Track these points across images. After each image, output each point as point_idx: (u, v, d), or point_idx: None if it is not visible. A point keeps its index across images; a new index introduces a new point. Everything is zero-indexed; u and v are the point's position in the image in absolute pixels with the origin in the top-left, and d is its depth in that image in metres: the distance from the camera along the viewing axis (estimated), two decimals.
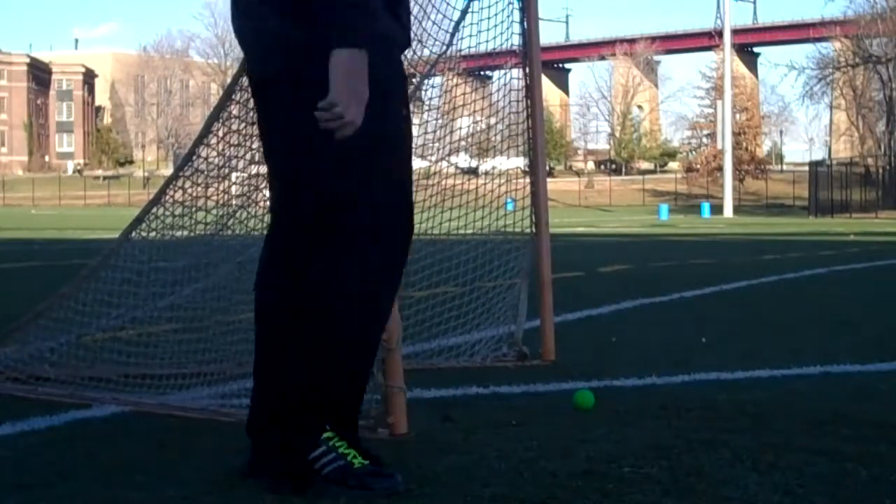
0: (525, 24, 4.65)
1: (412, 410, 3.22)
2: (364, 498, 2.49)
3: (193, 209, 4.17)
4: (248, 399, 3.61)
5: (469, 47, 4.60)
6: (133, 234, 4.21)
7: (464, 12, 4.46)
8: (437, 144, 4.61)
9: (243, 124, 4.07)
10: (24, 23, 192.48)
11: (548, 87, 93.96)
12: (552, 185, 48.17)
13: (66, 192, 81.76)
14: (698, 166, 74.20)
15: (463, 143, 4.95)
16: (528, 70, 4.68)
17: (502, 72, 4.96)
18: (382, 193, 2.51)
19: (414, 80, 4.28)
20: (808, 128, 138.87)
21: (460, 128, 4.82)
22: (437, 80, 4.57)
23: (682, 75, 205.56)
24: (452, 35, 4.47)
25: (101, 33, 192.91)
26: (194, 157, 4.16)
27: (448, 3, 4.29)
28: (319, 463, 2.55)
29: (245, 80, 3.97)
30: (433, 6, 4.24)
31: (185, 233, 4.19)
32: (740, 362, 4.60)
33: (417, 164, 4.27)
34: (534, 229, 4.73)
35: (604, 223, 33.20)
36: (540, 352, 4.67)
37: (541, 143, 4.74)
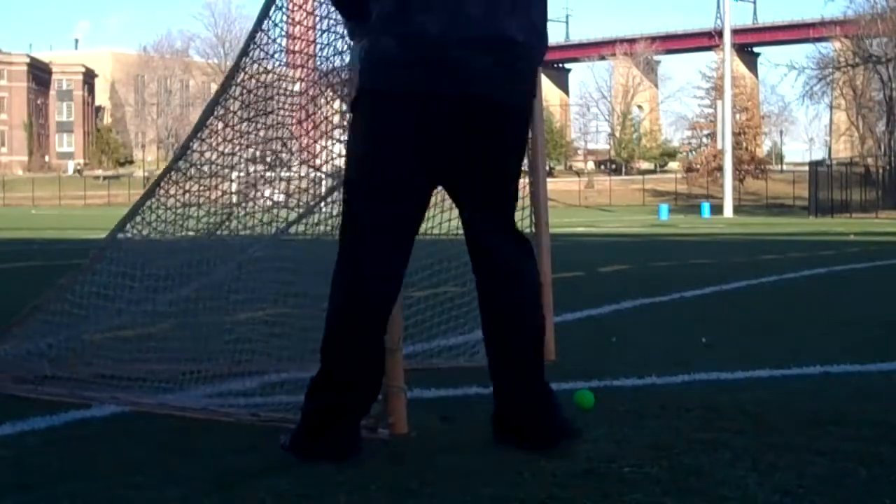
0: None
1: (412, 410, 3.22)
2: (362, 496, 2.50)
3: (189, 207, 4.16)
4: (245, 399, 3.62)
5: None
6: (127, 227, 4.19)
7: None
8: None
9: (243, 123, 4.06)
10: (24, 23, 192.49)
11: (548, 87, 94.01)
12: (552, 185, 48.16)
13: (66, 192, 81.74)
14: (698, 166, 74.19)
15: None
16: None
17: None
18: None
19: None
20: (808, 128, 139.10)
21: None
22: None
23: (682, 75, 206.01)
24: None
25: (101, 31, 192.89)
26: (189, 152, 4.14)
27: None
28: None
29: (241, 77, 3.95)
30: None
31: (183, 231, 4.18)
32: (740, 362, 4.59)
33: None
34: (534, 229, 4.72)
35: (604, 223, 33.20)
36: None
37: (541, 143, 4.74)
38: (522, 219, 4.74)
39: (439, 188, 3.11)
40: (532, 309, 3.05)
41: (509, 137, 2.96)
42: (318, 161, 4.14)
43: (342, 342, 2.88)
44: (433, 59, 2.78)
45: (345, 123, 3.72)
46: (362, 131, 2.91)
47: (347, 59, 3.50)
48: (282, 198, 4.29)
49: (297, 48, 3.98)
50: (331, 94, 3.91)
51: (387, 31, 2.83)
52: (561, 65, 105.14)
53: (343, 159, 3.21)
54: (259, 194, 4.26)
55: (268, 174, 4.26)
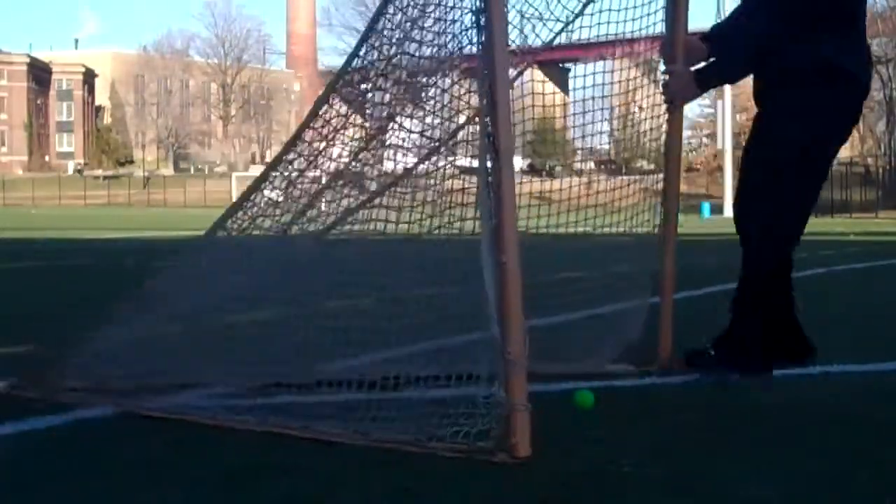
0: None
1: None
2: (362, 496, 2.50)
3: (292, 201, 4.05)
4: (246, 400, 3.58)
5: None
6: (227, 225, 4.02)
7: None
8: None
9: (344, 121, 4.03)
10: (24, 23, 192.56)
11: (548, 87, 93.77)
12: (553, 184, 47.90)
13: (66, 192, 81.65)
14: (698, 166, 74.16)
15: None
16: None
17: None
18: None
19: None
20: None
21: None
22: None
23: None
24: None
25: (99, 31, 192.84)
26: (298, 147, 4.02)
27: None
28: None
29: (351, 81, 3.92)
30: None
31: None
32: None
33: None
34: (657, 230, 4.78)
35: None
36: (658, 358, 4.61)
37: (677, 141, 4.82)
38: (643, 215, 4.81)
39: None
40: None
41: None
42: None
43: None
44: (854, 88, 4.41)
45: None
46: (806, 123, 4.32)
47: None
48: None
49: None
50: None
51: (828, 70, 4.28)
52: (561, 65, 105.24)
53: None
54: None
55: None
